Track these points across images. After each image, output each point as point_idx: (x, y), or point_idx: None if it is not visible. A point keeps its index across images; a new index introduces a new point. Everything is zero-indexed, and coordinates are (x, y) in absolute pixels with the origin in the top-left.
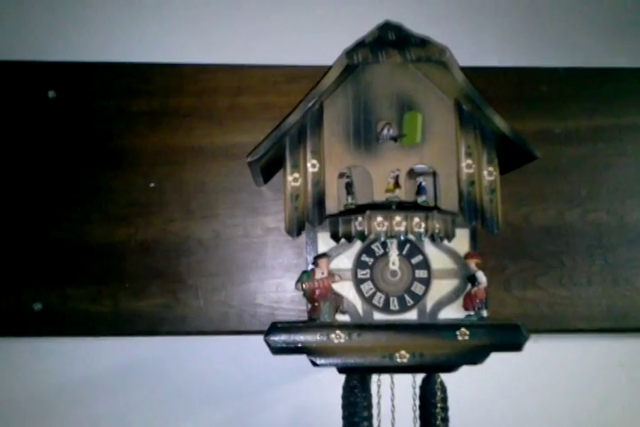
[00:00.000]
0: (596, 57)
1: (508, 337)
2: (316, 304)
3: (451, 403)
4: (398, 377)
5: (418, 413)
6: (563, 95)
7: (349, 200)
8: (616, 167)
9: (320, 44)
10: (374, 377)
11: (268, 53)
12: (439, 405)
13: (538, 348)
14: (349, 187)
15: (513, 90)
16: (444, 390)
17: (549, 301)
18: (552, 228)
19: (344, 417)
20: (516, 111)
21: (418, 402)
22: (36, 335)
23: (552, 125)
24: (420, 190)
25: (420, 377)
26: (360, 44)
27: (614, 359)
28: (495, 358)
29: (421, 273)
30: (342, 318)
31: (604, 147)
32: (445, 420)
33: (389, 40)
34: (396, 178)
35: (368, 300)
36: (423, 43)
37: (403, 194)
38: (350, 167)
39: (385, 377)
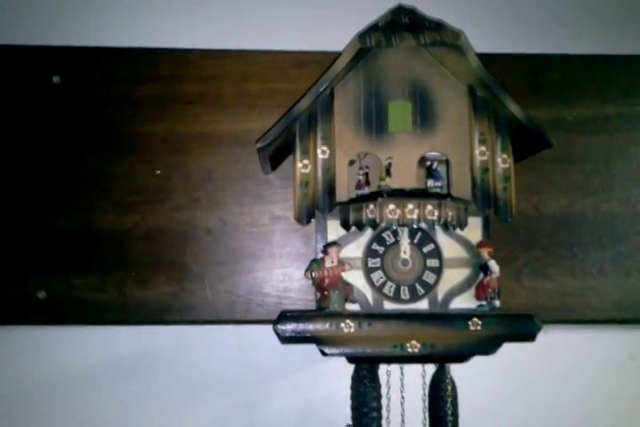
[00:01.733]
0: (611, 44)
1: (521, 327)
2: (326, 293)
3: (461, 393)
4: (408, 367)
5: (427, 404)
6: (576, 83)
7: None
8: (629, 156)
9: (329, 29)
10: (383, 367)
11: (276, 38)
12: (449, 404)
13: (548, 338)
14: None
15: (526, 77)
16: (454, 388)
17: (560, 291)
18: (563, 217)
19: (353, 407)
20: (528, 98)
21: (427, 394)
22: (40, 324)
23: (565, 113)
24: (431, 174)
25: (428, 367)
26: (373, 28)
27: (625, 351)
28: (505, 348)
29: (433, 262)
30: (352, 307)
31: (617, 135)
32: (455, 415)
33: (403, 23)
34: (388, 166)
35: (378, 289)
36: (438, 26)
37: (415, 182)
38: (360, 156)
39: (394, 367)
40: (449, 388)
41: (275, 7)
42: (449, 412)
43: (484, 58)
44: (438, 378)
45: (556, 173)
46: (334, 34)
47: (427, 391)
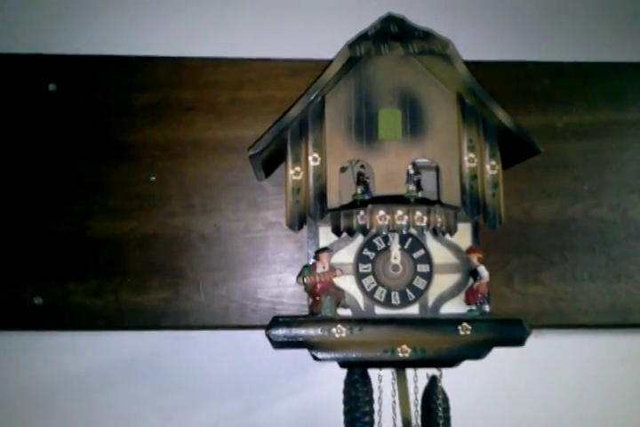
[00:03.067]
0: (601, 51)
1: (510, 332)
2: (318, 299)
3: (452, 398)
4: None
5: (419, 408)
6: (566, 90)
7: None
8: (619, 162)
9: (322, 37)
10: (376, 372)
11: (270, 47)
12: (441, 416)
13: (540, 343)
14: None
15: (516, 84)
16: (445, 399)
17: (551, 296)
18: (554, 223)
19: (345, 412)
20: (518, 106)
21: (420, 406)
22: (37, 330)
23: (555, 120)
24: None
25: (420, 372)
26: (362, 37)
27: (616, 355)
28: (497, 353)
29: (423, 267)
30: (344, 312)
31: (607, 142)
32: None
33: (392, 33)
34: (359, 175)
35: (369, 294)
36: (426, 35)
37: (404, 188)
38: (352, 163)
39: (386, 372)
40: (440, 400)
41: (270, 16)
42: (441, 423)
43: (474, 65)
44: (430, 390)
45: (546, 179)
46: (328, 42)
47: (418, 396)
